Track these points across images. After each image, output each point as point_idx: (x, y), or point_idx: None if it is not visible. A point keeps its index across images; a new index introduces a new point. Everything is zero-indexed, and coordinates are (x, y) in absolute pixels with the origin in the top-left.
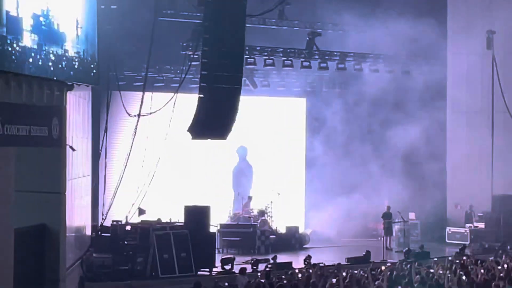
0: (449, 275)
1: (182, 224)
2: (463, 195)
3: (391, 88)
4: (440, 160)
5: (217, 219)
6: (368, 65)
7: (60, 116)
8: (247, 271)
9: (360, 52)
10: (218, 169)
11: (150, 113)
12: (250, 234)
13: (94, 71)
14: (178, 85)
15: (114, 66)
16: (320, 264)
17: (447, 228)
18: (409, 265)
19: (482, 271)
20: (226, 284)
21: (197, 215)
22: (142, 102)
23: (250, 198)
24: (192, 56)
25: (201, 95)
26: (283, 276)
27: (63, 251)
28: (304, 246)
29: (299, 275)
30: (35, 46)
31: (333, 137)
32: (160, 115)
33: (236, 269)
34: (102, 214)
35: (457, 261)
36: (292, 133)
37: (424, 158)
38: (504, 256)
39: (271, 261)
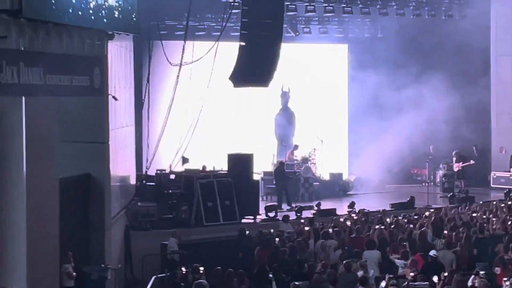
0: (494, 219)
1: (226, 172)
2: (508, 138)
3: (434, 32)
4: (484, 104)
5: (261, 167)
6: (411, 9)
7: (101, 66)
8: (291, 218)
9: None
10: (261, 117)
11: (192, 62)
12: (294, 181)
13: (135, 20)
14: (219, 33)
15: (155, 15)
16: (365, 210)
17: (492, 173)
18: (453, 210)
19: None
20: (272, 230)
21: (241, 163)
22: (183, 51)
23: (296, 146)
24: (232, 3)
25: (242, 43)
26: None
27: (108, 201)
28: (348, 192)
29: (347, 223)
30: None
31: (376, 83)
32: (202, 64)
33: (280, 216)
34: (146, 163)
35: (502, 205)
36: (335, 80)
37: (468, 103)
38: None
39: (315, 208)
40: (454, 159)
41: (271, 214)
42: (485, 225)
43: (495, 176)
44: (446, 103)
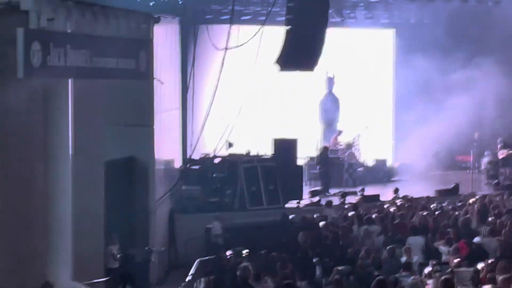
0: None
1: (270, 156)
2: None
3: (482, 18)
4: None
5: (305, 152)
6: None
7: (147, 49)
8: (335, 204)
9: None
10: (305, 102)
11: (237, 46)
12: (338, 167)
13: (180, 3)
14: (264, 17)
15: None
16: (409, 197)
17: None
18: (498, 198)
19: None
20: (315, 215)
21: (285, 148)
22: (229, 35)
23: (340, 132)
24: None
25: (288, 27)
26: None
27: (152, 184)
28: (392, 179)
29: (391, 209)
30: None
31: (423, 68)
32: (247, 48)
33: (324, 201)
34: (191, 147)
35: None
36: (380, 65)
37: None
38: None
39: (359, 194)
40: (500, 146)
41: (315, 199)
42: None
43: None
44: (494, 90)
